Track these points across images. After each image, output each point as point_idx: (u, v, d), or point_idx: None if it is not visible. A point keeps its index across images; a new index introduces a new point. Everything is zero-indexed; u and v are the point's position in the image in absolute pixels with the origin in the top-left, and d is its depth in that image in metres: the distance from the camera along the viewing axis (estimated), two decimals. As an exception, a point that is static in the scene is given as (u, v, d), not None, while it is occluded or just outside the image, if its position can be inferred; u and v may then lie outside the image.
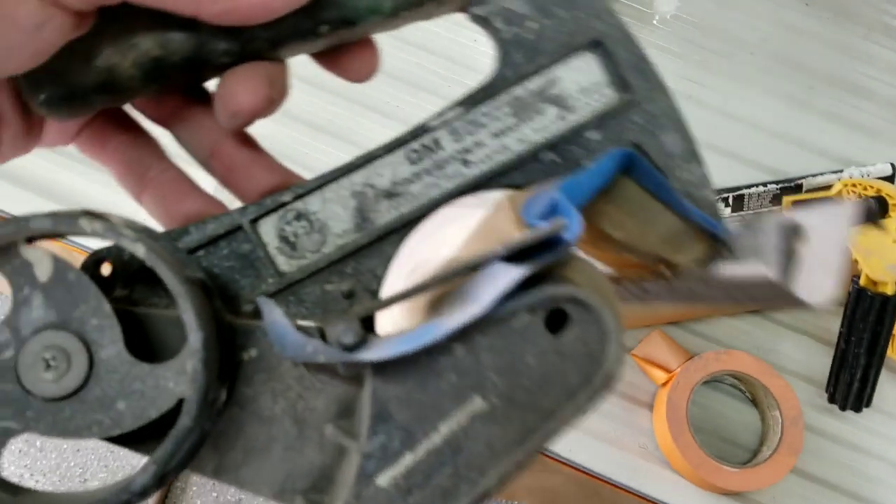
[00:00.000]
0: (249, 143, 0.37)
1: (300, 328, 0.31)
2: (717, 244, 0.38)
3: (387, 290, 0.40)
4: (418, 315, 0.39)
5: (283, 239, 0.35)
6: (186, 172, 0.38)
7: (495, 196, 0.39)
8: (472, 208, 0.44)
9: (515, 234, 0.36)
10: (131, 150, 0.37)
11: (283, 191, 0.35)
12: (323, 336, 0.32)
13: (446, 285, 0.35)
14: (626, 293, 0.46)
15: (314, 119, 0.93)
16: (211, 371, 0.28)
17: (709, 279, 0.38)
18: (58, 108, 0.33)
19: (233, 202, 0.38)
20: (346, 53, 0.36)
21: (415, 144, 0.36)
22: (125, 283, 0.33)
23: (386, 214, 0.36)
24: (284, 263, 0.35)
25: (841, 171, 0.90)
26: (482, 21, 0.37)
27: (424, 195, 0.36)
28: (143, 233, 0.30)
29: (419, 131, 0.36)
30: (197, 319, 0.27)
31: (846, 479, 0.83)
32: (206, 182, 0.38)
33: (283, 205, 0.35)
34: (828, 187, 0.87)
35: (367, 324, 0.33)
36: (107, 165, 0.38)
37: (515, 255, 0.30)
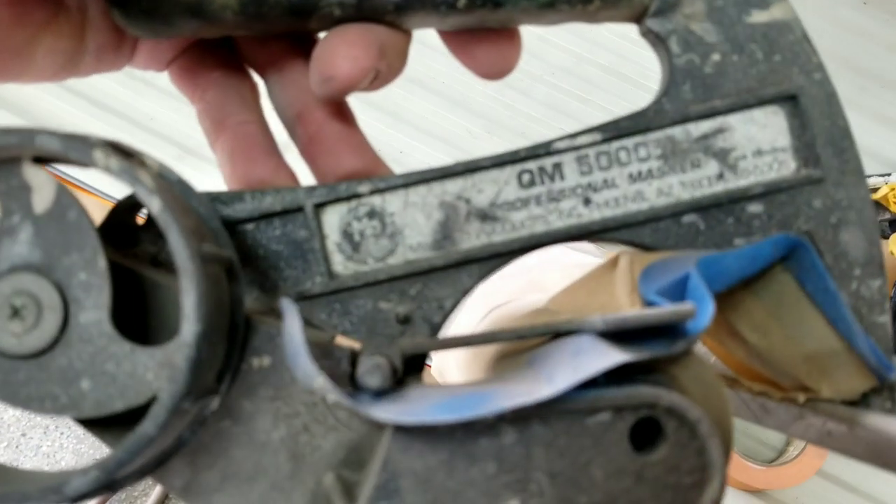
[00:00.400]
0: (344, 115, 0.31)
1: (323, 346, 0.25)
2: (880, 385, 0.29)
3: (451, 328, 0.33)
4: (479, 368, 0.32)
5: (347, 236, 0.29)
6: (272, 132, 0.33)
7: (614, 251, 0.32)
8: (582, 256, 0.36)
9: (625, 305, 0.29)
10: (219, 89, 0.32)
11: (363, 180, 0.29)
12: (354, 362, 0.26)
13: (520, 342, 0.28)
14: (739, 404, 0.37)
15: (403, 111, 0.88)
16: (199, 374, 0.22)
17: (854, 424, 0.30)
18: (137, 22, 0.28)
19: (308, 179, 0.32)
20: (484, 40, 0.30)
21: (531, 165, 0.30)
22: (156, 238, 0.28)
23: (474, 238, 0.29)
24: (340, 264, 0.29)
25: (889, 174, 0.86)
26: (655, 39, 0.30)
27: (527, 228, 0.29)
28: (172, 185, 0.24)
29: (540, 150, 0.29)
30: (197, 307, 0.21)
31: (871, 485, 0.79)
32: (292, 156, 0.33)
33: (358, 196, 0.29)
34: (874, 190, 0.83)
35: (415, 363, 0.27)
36: (192, 101, 0.34)
37: (617, 333, 0.23)
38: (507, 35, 0.30)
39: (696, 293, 0.24)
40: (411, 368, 0.26)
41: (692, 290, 0.25)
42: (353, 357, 0.26)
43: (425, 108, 1.04)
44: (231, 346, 0.25)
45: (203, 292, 0.22)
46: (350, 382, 0.26)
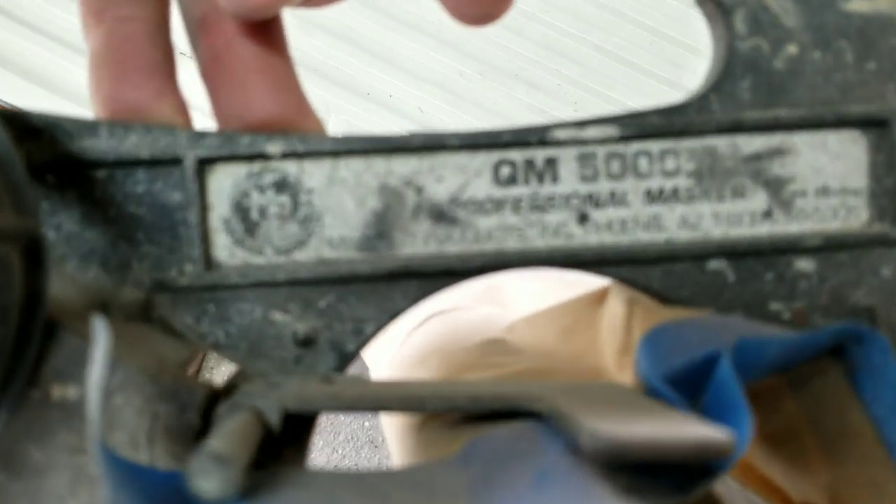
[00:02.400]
0: (266, 33, 0.22)
1: (161, 382, 0.17)
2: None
3: (392, 361, 0.25)
4: (404, 435, 0.24)
5: (241, 211, 0.21)
6: (170, 42, 0.24)
7: (614, 293, 0.24)
8: (567, 288, 0.28)
9: (610, 369, 0.21)
10: None
11: (275, 135, 0.21)
12: (207, 412, 0.17)
13: (462, 412, 0.21)
14: None
15: (392, 54, 0.79)
16: None
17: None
18: None
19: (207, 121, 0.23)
20: None
21: (515, 155, 0.21)
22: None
23: (420, 243, 0.21)
24: (225, 249, 0.21)
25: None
26: (715, 8, 0.22)
27: (494, 240, 0.21)
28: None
29: (531, 137, 0.21)
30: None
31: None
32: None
33: (265, 157, 0.21)
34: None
35: (300, 424, 0.19)
36: None
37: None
38: None
39: (730, 399, 0.17)
40: (294, 432, 0.18)
41: (722, 390, 0.17)
42: (209, 403, 0.18)
43: (414, 49, 0.95)
44: (15, 362, 0.16)
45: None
46: (196, 441, 0.18)
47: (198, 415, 0.17)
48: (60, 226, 0.20)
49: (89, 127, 0.20)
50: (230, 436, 0.15)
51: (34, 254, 0.16)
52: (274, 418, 0.17)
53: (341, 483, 0.15)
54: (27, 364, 0.16)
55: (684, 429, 0.15)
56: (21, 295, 0.16)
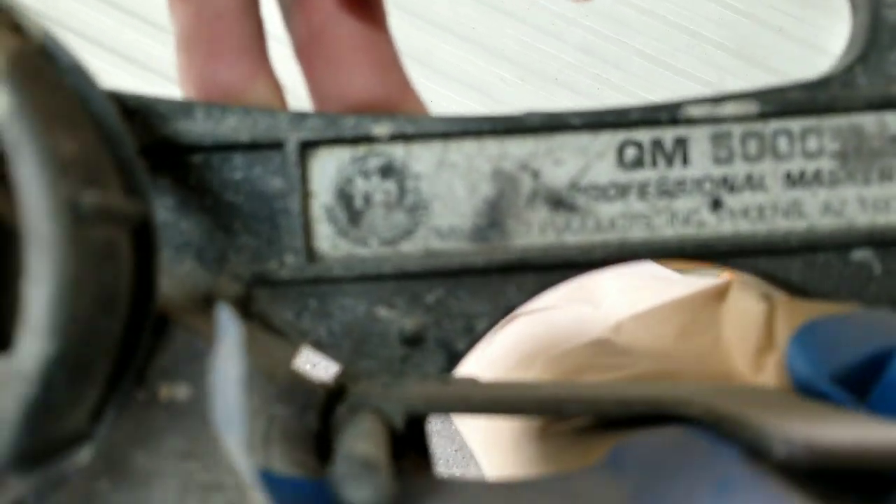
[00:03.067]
0: (365, 12, 0.21)
1: (279, 382, 0.15)
2: None
3: (479, 362, 0.24)
4: (507, 431, 0.23)
5: (345, 199, 0.19)
6: (260, 16, 0.22)
7: (739, 288, 0.22)
8: (663, 284, 0.26)
9: (744, 372, 0.19)
10: None
11: (381, 116, 0.19)
12: (326, 412, 0.16)
13: (589, 415, 0.19)
14: None
15: (430, 58, 0.78)
16: (46, 423, 0.12)
17: None
18: None
19: (301, 100, 0.22)
20: None
21: (642, 135, 0.20)
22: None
23: (536, 233, 0.20)
24: (327, 240, 0.19)
25: None
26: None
27: (618, 230, 0.20)
28: (55, 72, 0.14)
29: (661, 114, 0.19)
30: (52, 310, 0.11)
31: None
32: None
33: (370, 140, 0.19)
34: None
35: (415, 428, 0.17)
36: None
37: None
38: None
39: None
40: (413, 436, 0.17)
41: (892, 389, 0.15)
42: (327, 402, 0.16)
43: (454, 53, 0.94)
44: (124, 358, 0.15)
45: (69, 281, 0.12)
46: (316, 446, 0.16)
47: (318, 417, 0.16)
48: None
49: (184, 109, 0.19)
50: (371, 438, 0.13)
51: (145, 239, 0.15)
52: (398, 421, 0.16)
53: (490, 494, 0.14)
54: (137, 361, 0.15)
55: (884, 433, 0.13)
56: (130, 284, 0.14)
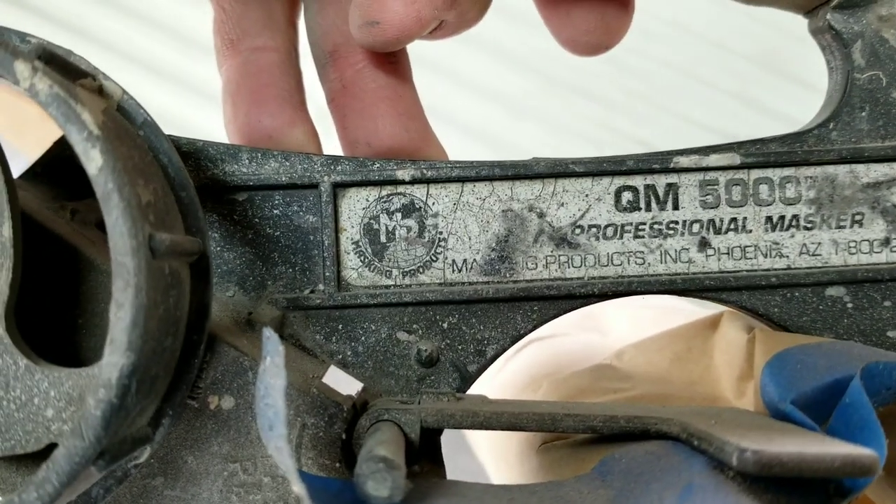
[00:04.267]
0: (394, 64, 0.24)
1: (311, 395, 0.18)
2: None
3: (494, 384, 0.26)
4: (514, 444, 0.25)
5: (371, 233, 0.22)
6: (299, 71, 0.25)
7: (728, 319, 0.25)
8: (668, 315, 0.29)
9: (728, 396, 0.21)
10: (243, 1, 0.24)
11: (405, 161, 0.22)
12: (351, 422, 0.18)
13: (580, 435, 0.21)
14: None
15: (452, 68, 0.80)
16: (121, 424, 0.15)
17: None
18: None
19: (334, 145, 0.25)
20: (585, 1, 0.22)
21: (636, 181, 0.22)
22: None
23: (542, 267, 0.22)
24: (354, 270, 0.22)
25: None
26: (833, 41, 0.22)
27: (615, 266, 0.22)
28: (130, 128, 0.17)
29: (654, 162, 0.22)
30: (131, 329, 0.14)
31: None
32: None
33: (395, 182, 0.22)
34: None
35: (430, 438, 0.19)
36: (215, 5, 0.25)
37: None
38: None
39: (862, 421, 0.17)
40: (427, 446, 0.19)
41: (854, 412, 0.17)
42: (352, 414, 0.19)
43: (476, 64, 0.96)
44: (181, 373, 0.17)
45: (144, 306, 0.14)
46: (342, 450, 0.18)
47: (344, 427, 0.18)
48: None
49: (231, 152, 0.21)
50: (389, 444, 0.16)
51: (202, 270, 0.17)
52: (414, 432, 0.18)
53: (490, 494, 0.16)
54: (191, 375, 0.17)
55: (828, 446, 0.15)
56: (188, 308, 0.17)
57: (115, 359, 0.14)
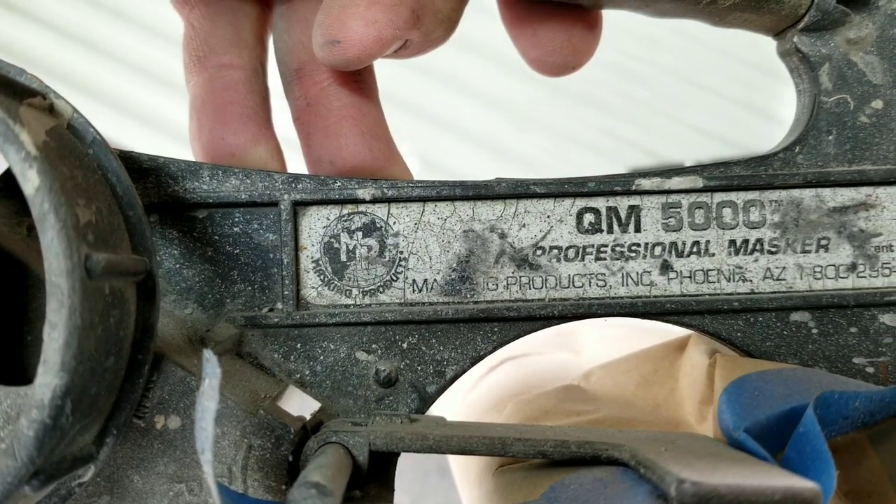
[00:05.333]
0: (359, 82, 0.24)
1: (257, 416, 0.18)
2: None
3: (465, 403, 0.26)
4: (473, 464, 0.25)
5: (331, 252, 0.22)
6: (266, 89, 0.25)
7: (694, 343, 0.25)
8: (643, 335, 0.29)
9: (690, 420, 0.21)
10: (210, 10, 0.24)
11: (366, 180, 0.22)
12: (298, 444, 0.18)
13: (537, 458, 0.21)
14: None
15: (453, 75, 0.81)
16: (58, 444, 0.15)
17: None
18: None
19: (299, 164, 0.25)
20: (554, 17, 0.22)
21: (599, 203, 0.22)
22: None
23: (502, 288, 0.22)
24: (314, 289, 0.22)
25: None
26: (800, 63, 0.22)
27: (576, 288, 0.22)
28: (77, 147, 0.17)
29: (616, 184, 0.22)
30: (64, 350, 0.14)
31: None
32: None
33: (356, 201, 0.22)
34: None
35: (382, 461, 0.19)
36: (184, 21, 0.25)
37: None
38: (587, 19, 0.23)
39: (814, 451, 0.17)
40: (378, 469, 0.19)
41: (806, 442, 0.17)
42: (301, 435, 0.19)
43: (482, 73, 0.96)
44: (126, 392, 0.17)
45: (78, 327, 0.14)
46: (289, 472, 0.18)
47: (291, 449, 0.18)
48: (161, 263, 0.22)
49: (192, 170, 0.22)
50: (327, 469, 0.16)
51: (148, 290, 0.17)
52: (363, 455, 0.18)
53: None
54: (136, 395, 0.17)
55: (771, 478, 0.15)
56: (133, 328, 0.17)
57: (47, 379, 0.14)
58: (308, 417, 0.20)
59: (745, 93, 1.02)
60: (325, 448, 0.18)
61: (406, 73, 0.95)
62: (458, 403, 0.30)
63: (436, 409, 0.34)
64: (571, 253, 0.22)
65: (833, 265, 0.22)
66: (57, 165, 0.15)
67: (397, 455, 0.20)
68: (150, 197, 0.21)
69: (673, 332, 0.29)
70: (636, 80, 1.03)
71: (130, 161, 0.22)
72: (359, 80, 0.23)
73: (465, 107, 0.98)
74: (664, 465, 0.16)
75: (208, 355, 0.15)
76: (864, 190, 0.22)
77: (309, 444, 0.18)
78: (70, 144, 0.17)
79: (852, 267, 0.22)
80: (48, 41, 0.92)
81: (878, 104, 0.22)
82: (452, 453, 0.18)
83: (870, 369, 0.22)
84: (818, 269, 0.22)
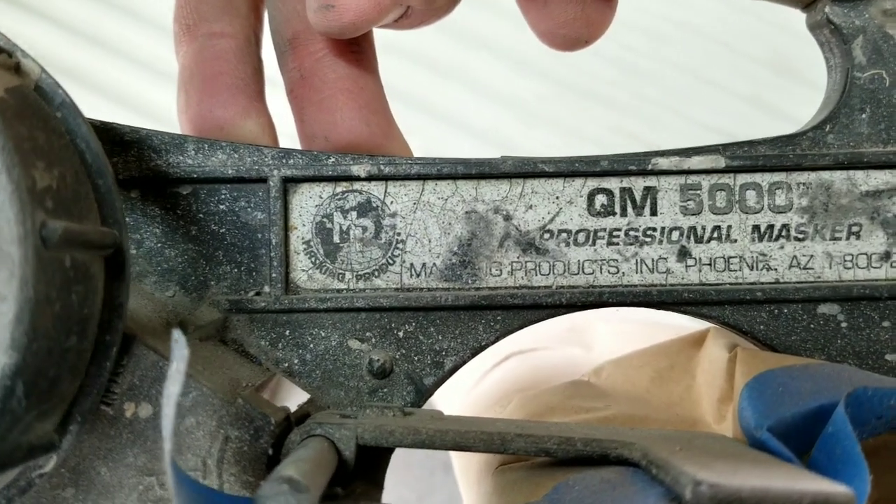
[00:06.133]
0: (356, 53, 0.22)
1: (235, 405, 0.16)
2: None
3: (465, 398, 0.25)
4: (473, 461, 0.24)
5: (323, 232, 0.21)
6: (258, 60, 0.24)
7: (713, 337, 0.23)
8: (656, 329, 0.27)
9: (708, 419, 0.20)
10: None
11: (362, 156, 0.21)
12: (280, 437, 0.17)
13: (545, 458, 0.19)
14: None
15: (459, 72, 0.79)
16: (12, 428, 0.14)
17: None
18: None
19: (292, 139, 0.23)
20: None
21: (612, 183, 0.21)
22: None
23: (507, 274, 0.21)
24: (304, 272, 0.21)
25: None
26: (832, 36, 0.21)
27: (586, 275, 0.20)
28: (43, 107, 0.16)
29: (631, 164, 0.20)
30: (16, 324, 0.13)
31: None
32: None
33: (350, 178, 0.20)
34: None
35: (373, 456, 0.18)
36: None
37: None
38: None
39: (846, 454, 0.15)
40: (368, 465, 0.18)
41: (836, 443, 0.16)
42: (284, 427, 0.17)
43: (489, 70, 0.95)
44: (92, 376, 0.16)
45: (31, 300, 0.13)
46: (268, 467, 0.17)
47: (271, 441, 0.17)
48: (142, 242, 0.20)
49: (177, 143, 0.20)
50: (305, 463, 0.14)
51: (117, 265, 0.16)
52: (349, 450, 0.17)
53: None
54: (103, 379, 0.16)
55: (799, 481, 0.14)
56: (101, 307, 0.16)
57: (-3, 357, 0.13)
58: (294, 409, 0.19)
59: (754, 90, 1.01)
60: (308, 441, 0.16)
61: (414, 69, 0.94)
62: (460, 400, 0.29)
63: (437, 406, 0.33)
64: (581, 237, 0.20)
65: (865, 254, 0.20)
66: (13, 124, 0.14)
67: (390, 451, 0.19)
68: (131, 171, 0.20)
69: (689, 328, 0.28)
70: (644, 76, 1.01)
71: (111, 132, 0.20)
72: (356, 51, 0.22)
73: (472, 103, 0.97)
74: (679, 465, 0.14)
75: (177, 336, 0.14)
76: None
77: (291, 436, 0.17)
78: (34, 105, 0.15)
79: (886, 256, 0.20)
80: (57, 38, 0.92)
81: None
82: (447, 449, 0.17)
83: (904, 367, 0.20)
84: (849, 258, 0.20)
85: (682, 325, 0.25)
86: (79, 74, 0.91)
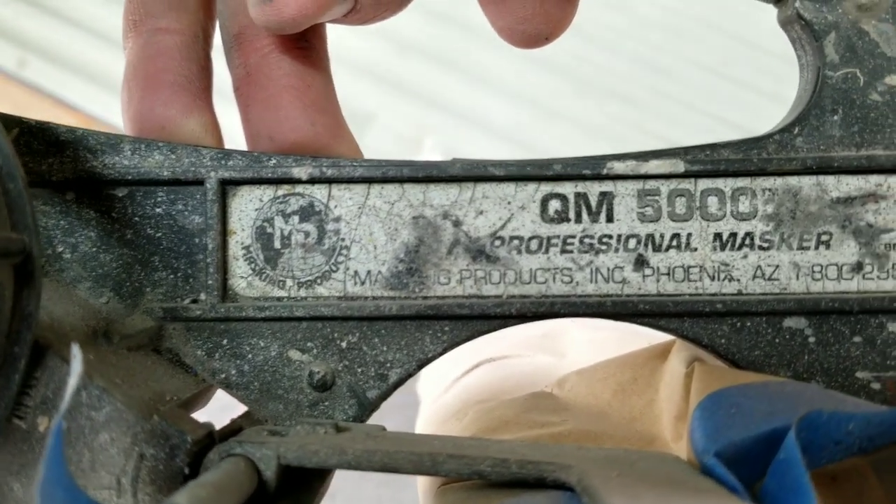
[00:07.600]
0: (303, 49, 0.22)
1: (151, 420, 0.16)
2: None
3: (431, 407, 0.24)
4: (427, 496, 0.23)
5: (263, 238, 0.20)
6: (206, 57, 0.23)
7: (677, 349, 0.22)
8: (635, 339, 0.26)
9: (665, 437, 0.19)
10: None
11: (304, 157, 0.20)
12: (197, 456, 0.16)
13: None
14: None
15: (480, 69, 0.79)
16: None
17: None
18: None
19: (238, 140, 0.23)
20: None
21: (566, 188, 0.20)
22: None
23: (455, 282, 0.20)
24: (243, 279, 0.20)
25: None
26: (802, 32, 0.20)
27: (538, 284, 0.20)
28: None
29: (585, 168, 0.20)
30: None
31: None
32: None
33: (292, 181, 0.20)
34: None
35: (304, 477, 0.17)
36: None
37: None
38: None
39: (795, 480, 0.15)
40: (299, 487, 0.17)
41: (786, 471, 0.15)
42: (203, 448, 0.17)
43: (507, 67, 0.95)
44: (0, 389, 0.15)
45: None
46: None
47: (187, 461, 0.16)
48: (76, 246, 0.20)
49: (112, 143, 0.20)
50: (203, 488, 0.14)
51: (26, 273, 0.16)
52: (270, 470, 0.16)
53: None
54: (11, 392, 0.15)
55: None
56: (9, 316, 0.15)
57: None
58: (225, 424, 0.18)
59: (772, 84, 0.99)
60: (224, 461, 0.16)
61: (433, 68, 0.94)
62: (426, 409, 0.28)
63: (412, 414, 0.32)
64: (534, 244, 0.20)
65: (835, 264, 0.19)
66: None
67: (328, 471, 0.18)
68: (66, 172, 0.20)
69: (664, 337, 0.27)
70: (663, 72, 1.01)
71: (47, 133, 0.20)
72: (304, 48, 0.21)
73: (488, 100, 0.97)
74: (606, 495, 0.13)
75: (75, 351, 0.14)
76: (874, 178, 0.19)
77: (210, 455, 0.16)
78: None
79: (857, 267, 0.19)
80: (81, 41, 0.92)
81: (892, 80, 0.19)
82: (375, 470, 0.16)
83: (875, 385, 0.19)
84: (817, 269, 0.19)
85: (656, 334, 0.24)
86: (89, 70, 0.91)
